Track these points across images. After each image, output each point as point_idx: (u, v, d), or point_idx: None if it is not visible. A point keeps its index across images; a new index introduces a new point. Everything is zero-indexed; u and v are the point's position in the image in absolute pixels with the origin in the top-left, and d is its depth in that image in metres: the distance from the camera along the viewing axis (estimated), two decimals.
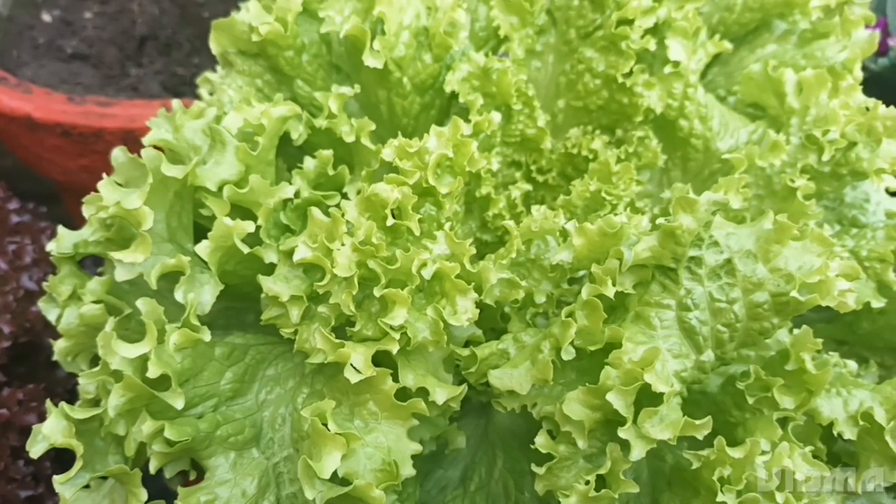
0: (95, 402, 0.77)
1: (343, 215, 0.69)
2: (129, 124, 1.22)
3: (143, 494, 0.68)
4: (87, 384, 0.79)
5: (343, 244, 0.67)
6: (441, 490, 0.82)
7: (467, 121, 0.82)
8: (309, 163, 0.83)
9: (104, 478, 0.72)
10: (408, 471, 0.65)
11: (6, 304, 0.97)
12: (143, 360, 0.67)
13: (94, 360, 0.82)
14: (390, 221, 0.68)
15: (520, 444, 0.82)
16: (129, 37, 1.57)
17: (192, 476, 0.72)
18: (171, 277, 0.73)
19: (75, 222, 1.57)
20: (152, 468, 0.68)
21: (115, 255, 0.68)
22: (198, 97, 1.50)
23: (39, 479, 0.98)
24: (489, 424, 0.85)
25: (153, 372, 0.65)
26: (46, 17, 1.70)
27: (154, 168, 0.70)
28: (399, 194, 0.69)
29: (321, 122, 0.84)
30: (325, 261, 0.67)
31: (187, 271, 0.70)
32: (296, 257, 0.67)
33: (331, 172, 0.82)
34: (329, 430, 0.62)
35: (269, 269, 0.73)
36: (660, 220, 0.64)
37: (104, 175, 1.28)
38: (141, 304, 0.68)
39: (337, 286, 0.67)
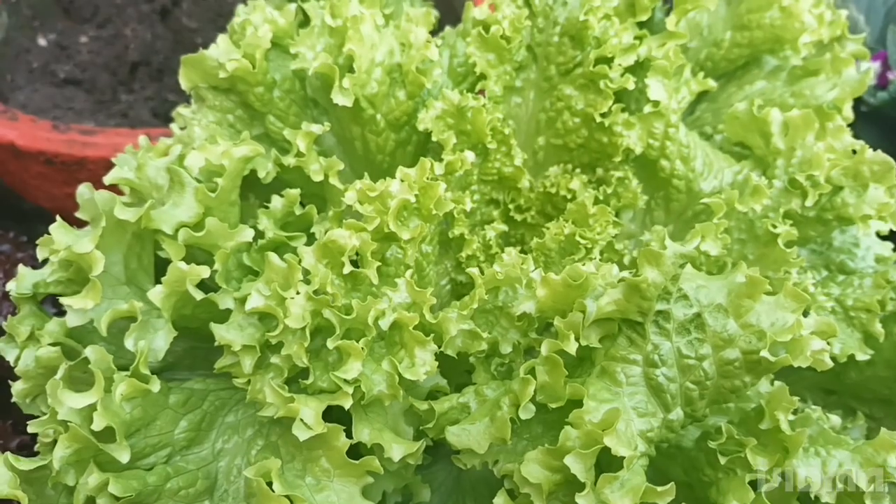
0: (54, 445, 0.75)
1: (300, 262, 0.67)
2: (112, 153, 1.20)
3: None
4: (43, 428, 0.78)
5: (298, 293, 0.65)
6: None
7: (440, 160, 0.80)
8: (276, 202, 0.81)
9: None
10: None
11: None
12: (91, 410, 0.65)
13: None
14: (347, 269, 0.66)
15: (492, 493, 0.78)
16: (122, 62, 1.56)
17: None
18: (130, 319, 0.71)
19: None
20: None
21: (66, 300, 0.66)
22: None
23: None
24: (462, 472, 0.82)
25: (98, 424, 0.63)
26: (42, 42, 1.70)
27: (108, 211, 0.68)
28: (358, 241, 0.67)
29: (290, 161, 0.82)
30: (277, 310, 0.64)
31: (139, 317, 0.68)
32: (248, 306, 0.65)
33: (298, 212, 0.80)
34: (274, 490, 0.59)
35: (227, 315, 0.70)
36: (624, 273, 0.61)
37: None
38: (90, 352, 0.66)
39: (290, 336, 0.64)
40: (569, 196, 0.86)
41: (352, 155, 0.90)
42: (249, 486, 0.64)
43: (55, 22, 1.74)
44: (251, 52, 0.81)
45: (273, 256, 0.68)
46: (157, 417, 0.69)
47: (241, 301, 0.68)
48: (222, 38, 0.82)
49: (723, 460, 0.66)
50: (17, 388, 0.78)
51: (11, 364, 0.79)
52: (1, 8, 1.66)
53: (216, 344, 0.68)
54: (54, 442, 0.74)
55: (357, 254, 0.68)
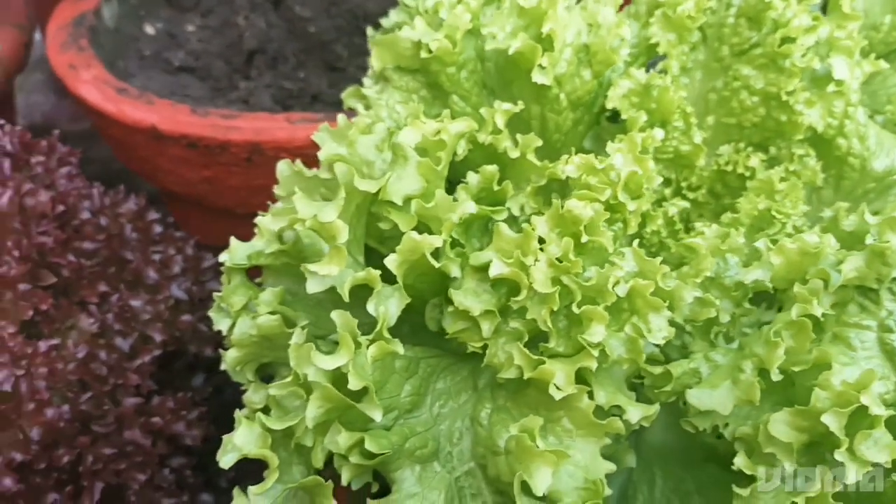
0: (264, 413, 0.78)
1: (533, 230, 0.69)
2: (255, 137, 1.24)
3: None
4: (254, 395, 0.81)
5: (538, 260, 0.67)
6: None
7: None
8: (472, 178, 0.83)
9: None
10: (607, 490, 0.65)
11: (158, 314, 0.98)
12: (338, 372, 0.67)
13: (259, 370, 0.83)
14: (585, 238, 0.68)
15: (678, 461, 0.81)
16: (237, 50, 1.59)
17: (374, 489, 0.73)
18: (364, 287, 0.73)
19: (181, 229, 1.58)
20: (344, 480, 0.69)
21: (312, 266, 0.69)
22: (306, 110, 1.51)
23: (182, 488, 0.99)
24: (640, 442, 0.84)
25: (354, 384, 0.65)
26: (150, 30, 1.73)
27: (346, 182, 0.71)
28: (591, 211, 0.69)
29: (484, 138, 0.84)
30: (521, 276, 0.67)
31: (378, 286, 0.70)
32: (492, 272, 0.68)
33: (495, 188, 0.83)
34: (538, 447, 0.62)
35: (449, 284, 0.73)
36: (869, 241, 0.63)
37: (226, 185, 1.29)
38: (336, 316, 0.69)
39: (532, 301, 0.67)
40: (747, 174, 0.88)
41: (526, 133, 0.92)
42: (491, 443, 0.66)
43: (159, 11, 1.77)
44: (452, 32, 0.83)
45: (503, 227, 0.70)
46: (388, 381, 0.71)
47: (475, 269, 0.70)
48: (419, 21, 0.85)
49: None
50: (230, 356, 0.81)
51: (224, 333, 0.83)
52: None
53: (449, 310, 0.71)
54: (266, 409, 0.78)
55: (585, 225, 0.70)
